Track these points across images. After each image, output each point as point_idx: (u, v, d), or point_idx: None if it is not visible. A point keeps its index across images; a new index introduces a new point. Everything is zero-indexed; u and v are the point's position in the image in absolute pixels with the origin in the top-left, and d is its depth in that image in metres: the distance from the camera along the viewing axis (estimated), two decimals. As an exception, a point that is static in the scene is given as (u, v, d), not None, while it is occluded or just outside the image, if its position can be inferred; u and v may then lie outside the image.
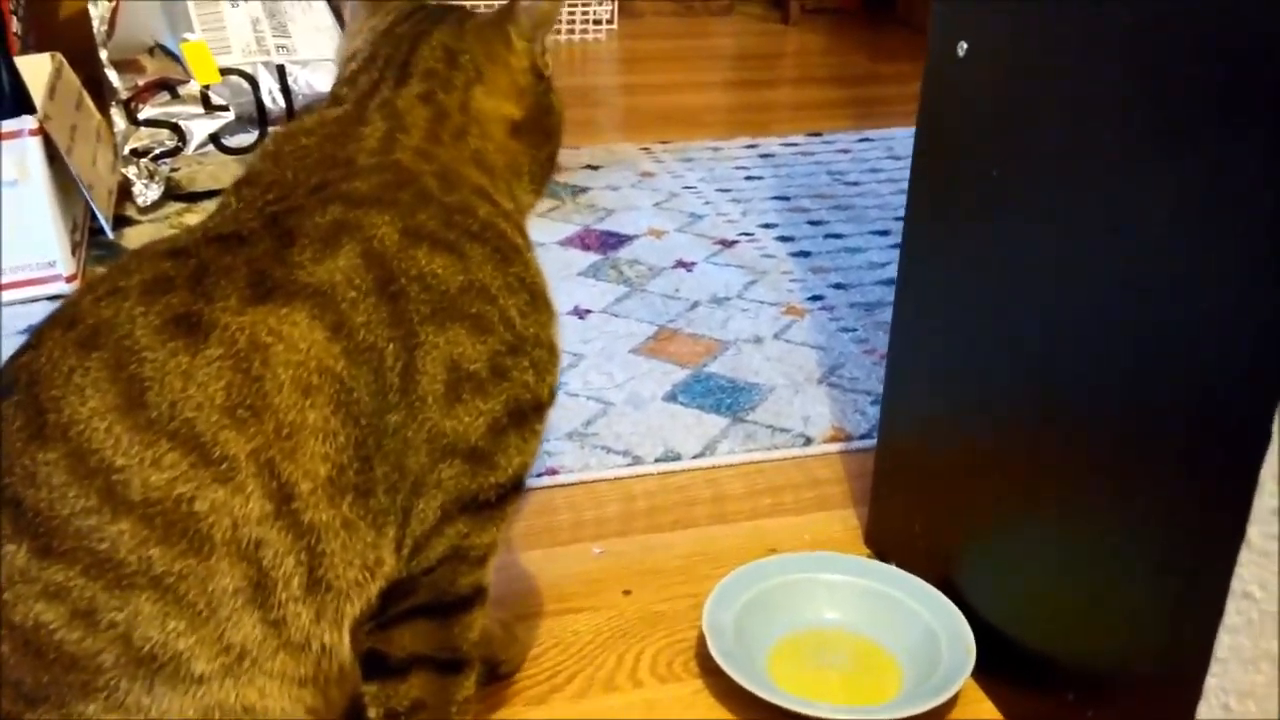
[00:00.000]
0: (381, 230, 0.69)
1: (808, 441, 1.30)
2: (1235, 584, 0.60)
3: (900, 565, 1.07)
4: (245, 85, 1.84)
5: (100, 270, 0.71)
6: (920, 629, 0.98)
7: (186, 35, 1.83)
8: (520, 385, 0.73)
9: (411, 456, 0.68)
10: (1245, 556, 0.60)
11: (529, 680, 0.96)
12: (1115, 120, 0.75)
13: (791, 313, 1.59)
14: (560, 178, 2.08)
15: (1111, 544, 0.79)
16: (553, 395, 0.77)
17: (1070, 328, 0.81)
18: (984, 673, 0.95)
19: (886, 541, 1.12)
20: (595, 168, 2.14)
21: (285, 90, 1.85)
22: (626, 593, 1.07)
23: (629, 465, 1.25)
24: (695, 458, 1.27)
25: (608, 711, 0.93)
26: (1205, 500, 0.65)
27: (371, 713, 0.74)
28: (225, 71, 1.83)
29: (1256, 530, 0.59)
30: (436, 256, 0.70)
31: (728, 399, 1.37)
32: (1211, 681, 0.62)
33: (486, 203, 0.75)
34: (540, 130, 0.81)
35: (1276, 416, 0.57)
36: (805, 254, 1.79)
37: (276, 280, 0.66)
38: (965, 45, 0.91)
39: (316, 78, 1.87)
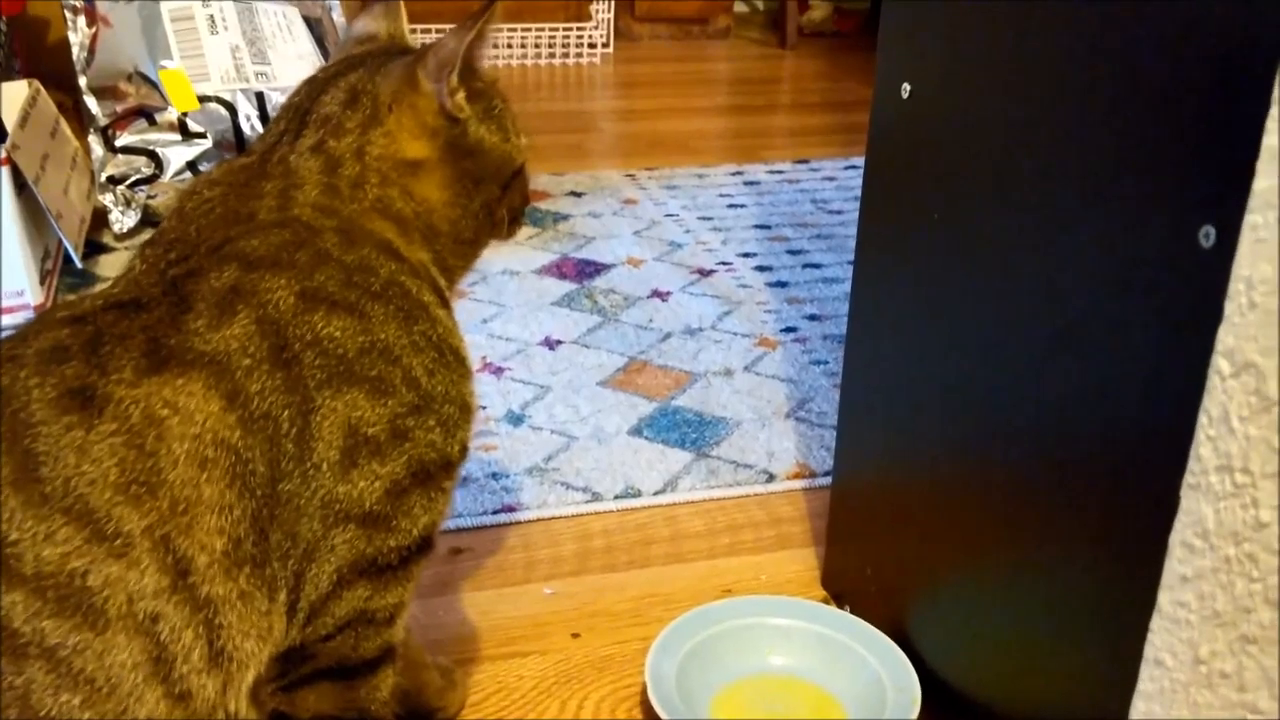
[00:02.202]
0: (277, 295, 0.68)
1: (770, 478, 1.29)
2: (1148, 651, 0.59)
3: (854, 608, 1.05)
4: (223, 112, 1.84)
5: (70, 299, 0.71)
6: (867, 675, 0.96)
7: (165, 63, 1.83)
8: (425, 445, 0.71)
9: (304, 524, 0.67)
10: (1156, 623, 0.58)
11: (468, 727, 0.95)
12: (1042, 171, 0.74)
13: (764, 344, 1.58)
14: (543, 204, 2.08)
15: (1046, 601, 0.77)
16: (464, 452, 0.75)
17: (1003, 378, 0.80)
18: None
19: (842, 584, 1.11)
20: (579, 194, 2.13)
21: (264, 117, 1.85)
22: (575, 635, 1.06)
23: (588, 502, 1.23)
24: (656, 494, 1.25)
25: (546, 760, 0.92)
26: (1124, 562, 0.63)
27: None
28: (204, 99, 1.84)
29: (1167, 597, 0.57)
30: (335, 319, 0.69)
31: (693, 433, 1.36)
32: (1129, 750, 0.61)
33: (391, 259, 0.73)
34: (466, 176, 0.77)
35: (1183, 483, 0.56)
36: (782, 284, 1.77)
37: (172, 349, 0.65)
38: (908, 87, 0.90)
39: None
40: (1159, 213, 0.64)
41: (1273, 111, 0.49)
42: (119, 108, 1.82)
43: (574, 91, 3.04)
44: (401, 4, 0.88)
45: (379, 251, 0.73)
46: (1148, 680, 0.59)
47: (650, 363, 1.52)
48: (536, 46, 3.20)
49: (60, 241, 1.65)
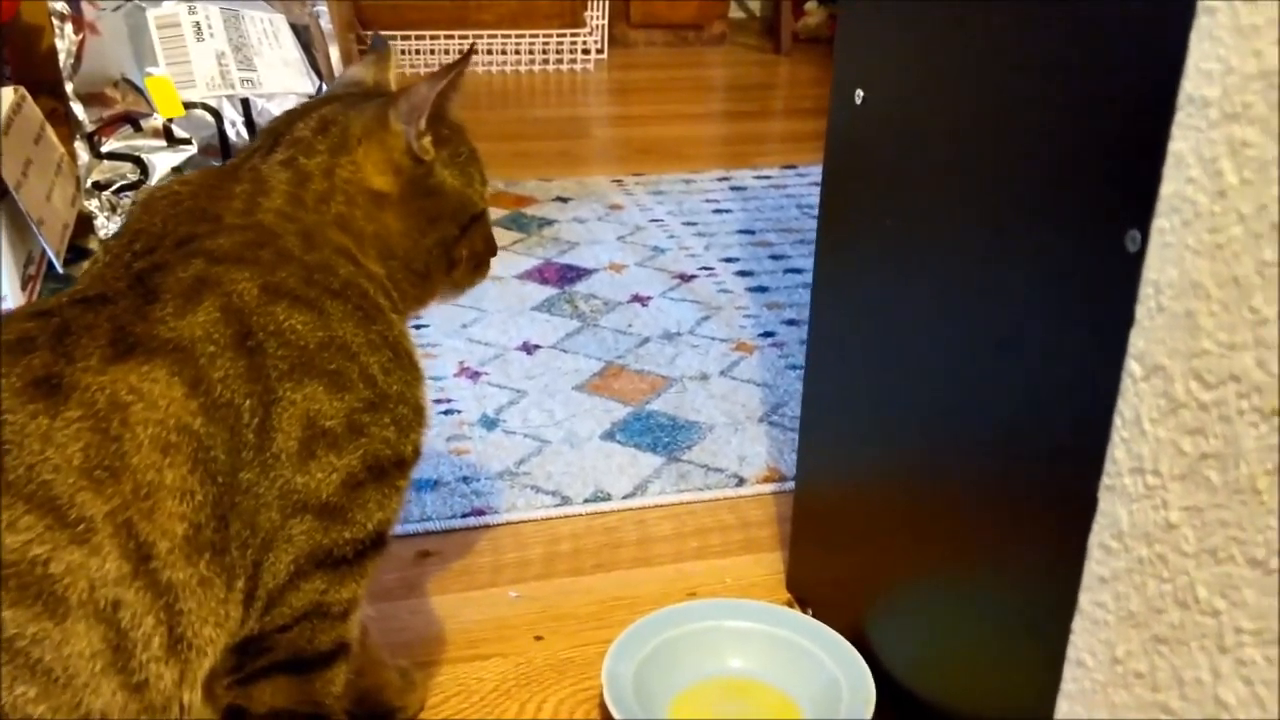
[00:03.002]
0: (241, 286, 0.70)
1: (741, 482, 1.30)
2: (1070, 651, 0.59)
3: (817, 612, 1.06)
4: (209, 119, 1.86)
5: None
6: (824, 677, 0.97)
7: (151, 69, 1.84)
8: (380, 441, 0.73)
9: (263, 513, 0.68)
10: (1077, 624, 0.59)
11: (426, 728, 0.95)
12: (984, 179, 0.74)
13: (741, 349, 1.59)
14: (529, 210, 2.09)
15: (987, 604, 0.78)
16: (417, 453, 0.77)
17: (949, 386, 0.80)
18: (886, 724, 0.94)
19: (806, 587, 1.11)
20: (565, 200, 2.14)
21: (249, 124, 1.86)
22: (538, 638, 1.06)
23: (557, 506, 1.24)
24: (625, 498, 1.26)
25: (502, 761, 0.93)
26: (1055, 565, 0.63)
27: None
28: (189, 105, 1.85)
29: (1086, 598, 0.58)
30: (296, 313, 0.71)
31: (665, 438, 1.37)
32: (1054, 750, 0.61)
33: (350, 263, 0.76)
34: (422, 214, 0.81)
35: (1100, 485, 0.56)
36: (763, 289, 1.78)
37: (138, 337, 0.66)
38: (861, 93, 0.90)
39: (281, 110, 1.89)
40: (1092, 219, 0.64)
41: (1177, 117, 0.50)
42: (105, 114, 1.83)
43: (567, 98, 3.05)
44: (393, 56, 0.93)
45: (338, 255, 0.75)
46: (1070, 681, 0.60)
47: (627, 367, 1.53)
48: (531, 53, 3.21)
49: (43, 247, 1.66)
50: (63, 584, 0.61)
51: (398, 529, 1.18)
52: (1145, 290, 0.53)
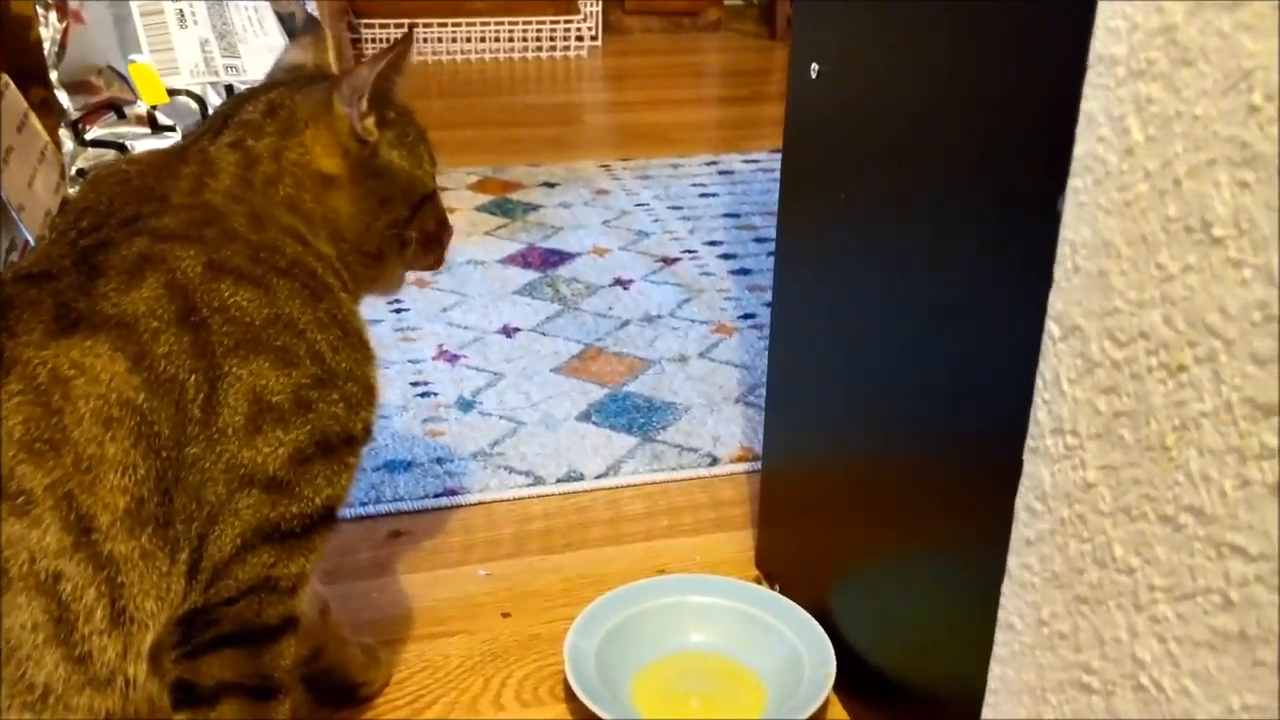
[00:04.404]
0: (185, 263, 0.70)
1: (714, 461, 1.30)
2: (1001, 615, 0.59)
3: (783, 587, 1.06)
4: (193, 105, 1.86)
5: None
6: (786, 651, 0.97)
7: (134, 57, 1.85)
8: (329, 418, 0.73)
9: (209, 487, 0.69)
10: (1006, 587, 0.59)
11: (389, 704, 0.96)
12: (929, 149, 0.74)
13: (721, 331, 1.59)
14: (514, 195, 2.09)
15: (936, 574, 0.78)
16: (367, 431, 0.77)
17: (898, 360, 0.81)
18: (849, 695, 0.94)
19: (773, 564, 1.11)
20: (552, 185, 2.14)
21: (233, 111, 1.87)
22: (506, 615, 1.07)
23: (530, 486, 1.24)
24: (598, 478, 1.26)
25: (464, 736, 0.93)
26: (992, 532, 0.63)
27: None
28: (173, 93, 1.85)
29: (1014, 561, 0.58)
30: (241, 289, 0.71)
31: (641, 418, 1.37)
32: (986, 713, 0.61)
33: (298, 243, 0.76)
34: (372, 196, 0.81)
35: (1025, 447, 0.56)
36: (745, 271, 1.78)
37: (81, 312, 0.67)
38: (817, 67, 0.90)
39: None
40: (1027, 184, 0.64)
41: (1088, 76, 0.50)
42: (90, 101, 1.83)
43: (560, 85, 3.05)
44: (329, 37, 0.93)
45: (286, 235, 0.76)
46: (1001, 644, 0.60)
47: (606, 350, 1.53)
48: (524, 40, 3.21)
49: (24, 234, 1.67)
50: (3, 556, 0.62)
51: (370, 509, 1.20)
52: (1063, 250, 0.53)
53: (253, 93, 0.83)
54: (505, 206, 2.03)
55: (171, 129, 1.85)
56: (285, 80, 0.85)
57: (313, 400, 0.72)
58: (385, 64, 0.79)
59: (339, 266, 0.80)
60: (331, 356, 0.74)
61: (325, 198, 0.79)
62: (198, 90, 1.87)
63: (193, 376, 0.68)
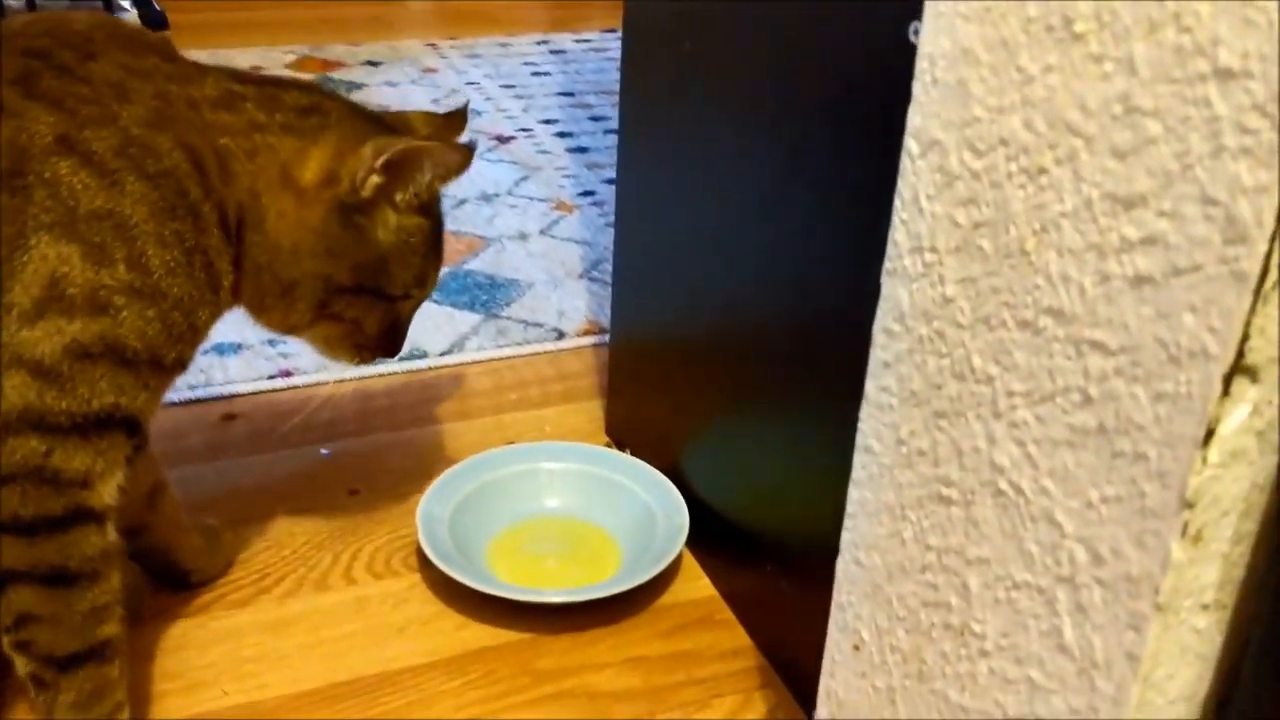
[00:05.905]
0: (39, 128, 0.67)
1: (560, 336, 1.28)
2: (859, 439, 0.60)
3: (634, 451, 1.06)
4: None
5: None
6: (639, 509, 0.97)
7: None
8: (132, 331, 0.68)
9: None
10: (864, 411, 0.59)
11: (233, 585, 0.92)
12: (770, 17, 0.73)
13: (561, 209, 1.56)
14: (336, 74, 2.00)
15: (784, 429, 0.79)
16: (180, 364, 0.73)
17: (746, 228, 0.80)
18: (702, 550, 0.96)
19: (623, 431, 1.11)
20: (376, 64, 2.06)
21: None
22: (354, 492, 1.04)
23: (370, 364, 1.21)
24: (442, 355, 1.23)
25: (316, 610, 0.90)
26: (839, 383, 0.64)
27: None
28: None
29: (872, 384, 0.58)
30: (82, 173, 0.67)
31: (484, 296, 1.34)
32: (845, 536, 0.62)
33: (193, 173, 0.71)
34: (326, 236, 0.76)
35: (882, 270, 0.56)
36: (583, 149, 1.75)
37: None
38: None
39: None
40: (880, 15, 0.64)
41: (947, -121, 0.49)
42: None
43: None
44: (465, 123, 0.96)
45: (184, 156, 0.71)
46: (859, 468, 0.60)
47: (443, 228, 1.49)
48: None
49: None
50: None
51: (199, 392, 1.15)
52: (921, 65, 0.52)
53: (323, 93, 0.81)
54: (326, 86, 1.94)
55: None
56: (367, 113, 0.83)
57: (117, 306, 0.68)
58: (422, 145, 0.77)
59: (229, 240, 0.75)
60: (163, 276, 0.70)
61: (277, 192, 0.75)
62: None
63: None
